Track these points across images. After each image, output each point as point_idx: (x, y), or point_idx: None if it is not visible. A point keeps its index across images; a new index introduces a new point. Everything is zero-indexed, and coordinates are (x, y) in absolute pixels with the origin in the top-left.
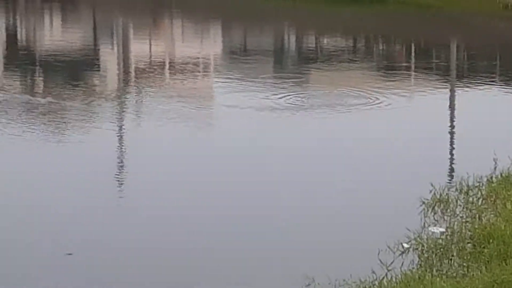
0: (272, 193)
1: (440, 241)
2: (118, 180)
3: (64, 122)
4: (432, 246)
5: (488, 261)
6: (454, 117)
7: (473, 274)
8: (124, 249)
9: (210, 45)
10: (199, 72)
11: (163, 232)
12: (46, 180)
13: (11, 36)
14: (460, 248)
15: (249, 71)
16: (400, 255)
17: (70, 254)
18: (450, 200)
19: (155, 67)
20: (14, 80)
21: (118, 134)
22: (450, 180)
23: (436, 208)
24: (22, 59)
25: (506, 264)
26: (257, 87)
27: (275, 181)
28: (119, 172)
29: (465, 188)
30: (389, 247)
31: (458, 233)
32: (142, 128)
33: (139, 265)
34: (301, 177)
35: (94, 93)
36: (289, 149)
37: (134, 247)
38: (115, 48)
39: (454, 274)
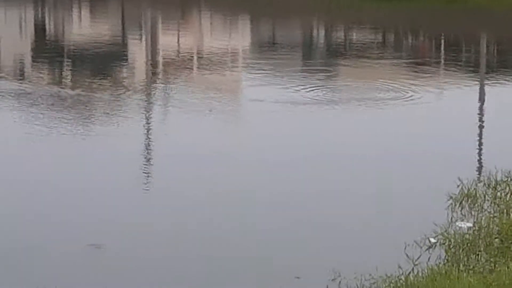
0: (302, 187)
1: (467, 236)
2: (146, 173)
3: (93, 114)
4: (459, 241)
5: None
6: (483, 111)
7: (500, 270)
8: (152, 242)
9: (238, 38)
10: (228, 65)
11: (192, 224)
12: (73, 172)
13: (40, 29)
14: (488, 243)
15: (278, 64)
16: (427, 250)
17: (97, 246)
18: (477, 195)
19: (183, 59)
20: (43, 72)
21: (146, 127)
22: (478, 175)
23: (463, 203)
24: (51, 51)
25: None
26: (286, 80)
27: (306, 176)
28: (146, 165)
29: (493, 183)
30: (416, 242)
31: (486, 228)
32: (170, 120)
33: (169, 257)
34: (328, 171)
35: (123, 86)
36: (317, 144)
37: (161, 239)
38: (144, 41)
39: (481, 270)
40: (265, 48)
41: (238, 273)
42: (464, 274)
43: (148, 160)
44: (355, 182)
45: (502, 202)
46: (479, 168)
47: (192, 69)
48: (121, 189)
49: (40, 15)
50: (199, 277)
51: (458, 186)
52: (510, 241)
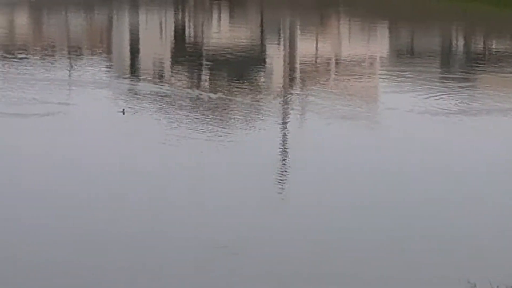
0: (441, 194)
1: None
2: (282, 178)
3: (233, 118)
4: None
5: None
6: None
7: None
8: (283, 246)
9: (376, 44)
10: (365, 71)
11: (326, 232)
12: (209, 177)
13: (180, 32)
14: None
15: (416, 72)
16: None
17: (225, 246)
18: None
19: (321, 65)
20: (183, 75)
21: (284, 131)
22: None
23: None
24: (190, 54)
25: None
26: (423, 88)
27: (444, 184)
28: (284, 169)
29: None
30: None
31: None
32: (307, 125)
33: (303, 261)
34: (470, 182)
35: (261, 90)
36: (451, 153)
37: (294, 244)
38: (282, 46)
39: None
40: (403, 55)
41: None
42: None
43: (285, 164)
44: (494, 190)
45: None
46: None
47: (329, 74)
48: (257, 195)
49: (180, 19)
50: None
51: None
52: None
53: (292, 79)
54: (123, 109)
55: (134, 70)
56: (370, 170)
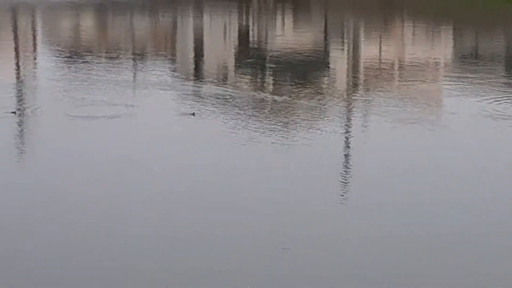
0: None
1: None
2: (344, 181)
3: (298, 121)
4: None
5: None
6: None
7: None
8: (342, 249)
9: (440, 48)
10: (429, 75)
11: (388, 236)
12: (272, 181)
13: (244, 34)
14: None
15: (480, 76)
16: None
17: (286, 248)
18: None
19: (385, 68)
20: (247, 78)
21: (349, 134)
22: None
23: None
24: (254, 57)
25: None
26: (487, 93)
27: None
28: (345, 172)
29: None
30: None
31: None
32: (371, 128)
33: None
34: None
35: (324, 93)
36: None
37: (357, 248)
38: (346, 49)
39: None
40: (467, 59)
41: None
42: None
43: (347, 168)
44: None
45: None
46: None
47: (393, 78)
48: (318, 201)
49: (243, 21)
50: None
51: None
52: None
53: (356, 82)
54: (193, 112)
55: (198, 73)
56: (434, 173)
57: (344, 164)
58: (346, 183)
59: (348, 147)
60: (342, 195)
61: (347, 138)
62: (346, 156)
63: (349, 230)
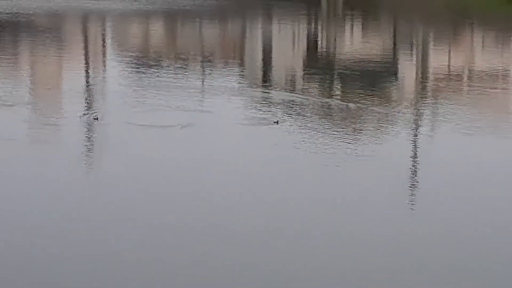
0: None
1: None
2: (410, 192)
3: (371, 128)
4: None
5: None
6: None
7: None
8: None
9: (510, 57)
10: (498, 84)
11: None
12: (344, 182)
13: (313, 42)
14: None
15: None
16: None
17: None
18: None
19: (454, 77)
20: (317, 85)
21: (419, 141)
22: None
23: None
24: (322, 65)
25: None
26: None
27: None
28: (412, 182)
29: None
30: None
31: None
32: (440, 136)
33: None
34: None
35: (393, 102)
36: None
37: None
38: (414, 57)
39: None
40: None
41: None
42: None
43: (414, 177)
44: None
45: None
46: None
47: (462, 86)
48: (386, 208)
49: (312, 29)
50: None
51: None
52: None
53: (424, 90)
54: (277, 120)
55: (268, 79)
56: (504, 182)
57: (415, 171)
58: (415, 189)
59: (418, 154)
60: (411, 202)
61: (417, 145)
62: (417, 163)
63: (418, 237)
